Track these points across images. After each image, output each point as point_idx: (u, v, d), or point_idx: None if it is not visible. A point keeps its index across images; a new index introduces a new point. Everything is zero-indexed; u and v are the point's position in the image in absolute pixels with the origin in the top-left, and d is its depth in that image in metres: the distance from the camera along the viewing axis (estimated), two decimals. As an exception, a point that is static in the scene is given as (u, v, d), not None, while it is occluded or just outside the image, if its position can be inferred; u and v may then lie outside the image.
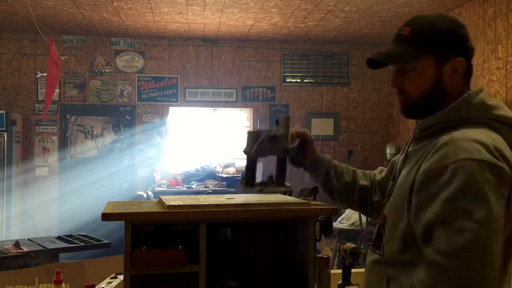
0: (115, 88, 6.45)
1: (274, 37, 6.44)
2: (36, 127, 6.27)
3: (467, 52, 1.20)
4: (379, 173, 1.57)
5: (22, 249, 3.38)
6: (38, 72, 6.28)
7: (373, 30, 5.94)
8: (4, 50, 6.27)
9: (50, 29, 5.83)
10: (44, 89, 5.74)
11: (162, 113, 6.51)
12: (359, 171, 1.58)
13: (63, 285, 1.92)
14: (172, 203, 1.49)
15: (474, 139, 1.05)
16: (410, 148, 1.26)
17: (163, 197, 1.64)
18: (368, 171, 1.60)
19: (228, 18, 5.52)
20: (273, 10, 5.19)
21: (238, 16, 5.43)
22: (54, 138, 6.32)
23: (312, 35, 6.28)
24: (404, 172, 1.21)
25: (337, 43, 6.68)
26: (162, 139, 6.45)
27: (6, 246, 3.48)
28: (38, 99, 6.27)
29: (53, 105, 6.21)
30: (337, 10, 5.15)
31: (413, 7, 5.00)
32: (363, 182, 1.54)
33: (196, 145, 6.59)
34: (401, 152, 1.36)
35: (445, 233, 1.00)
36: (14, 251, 3.34)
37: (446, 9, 5.08)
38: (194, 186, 5.96)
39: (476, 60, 4.74)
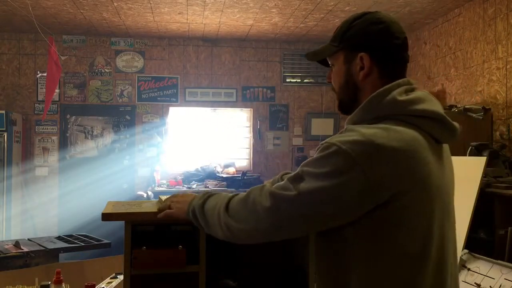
0: (115, 88, 6.45)
1: (274, 37, 6.44)
2: (36, 127, 6.27)
3: (377, 48, 1.17)
4: None
5: (22, 249, 3.38)
6: (38, 72, 6.28)
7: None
8: (4, 50, 6.27)
9: (50, 29, 5.83)
10: (44, 89, 5.74)
11: (162, 113, 6.50)
12: None
13: (63, 285, 1.92)
14: (172, 203, 1.48)
15: (359, 131, 1.07)
16: None
17: (163, 197, 1.64)
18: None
19: (228, 18, 5.52)
20: (273, 10, 5.19)
21: (238, 16, 5.43)
22: (54, 138, 6.32)
23: (312, 35, 6.28)
24: None
25: (337, 43, 6.66)
26: (162, 139, 6.45)
27: (6, 246, 3.48)
28: (38, 99, 6.27)
29: (53, 105, 6.21)
30: (337, 10, 5.15)
31: (413, 7, 5.00)
32: None
33: (196, 145, 6.59)
34: None
35: (282, 185, 1.09)
36: (14, 251, 3.34)
37: (446, 9, 5.08)
38: (194, 186, 5.96)
39: (476, 60, 4.74)
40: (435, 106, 1.14)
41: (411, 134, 1.08)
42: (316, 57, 1.31)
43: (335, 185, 1.02)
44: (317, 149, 1.10)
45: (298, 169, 1.10)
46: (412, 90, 1.16)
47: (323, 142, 1.09)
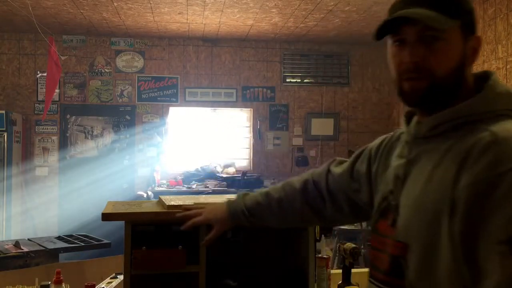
0: (115, 88, 6.45)
1: (274, 37, 6.44)
2: (36, 127, 6.27)
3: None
4: (337, 166, 1.28)
5: (22, 249, 3.38)
6: (38, 72, 6.28)
7: (373, 30, 5.93)
8: (4, 50, 6.27)
9: (50, 29, 5.83)
10: (44, 89, 5.74)
11: (162, 113, 6.50)
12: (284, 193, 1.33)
13: (63, 285, 1.92)
14: (172, 203, 1.49)
15: None
16: (411, 150, 0.98)
17: (163, 197, 1.64)
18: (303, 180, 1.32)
19: (228, 18, 5.52)
20: (273, 10, 5.19)
21: (238, 16, 5.43)
22: (54, 138, 6.32)
23: (312, 35, 6.28)
24: (418, 184, 0.93)
25: (337, 43, 6.68)
26: (162, 139, 6.45)
27: (6, 246, 3.47)
28: (38, 99, 6.27)
29: (53, 105, 6.21)
30: (337, 10, 5.15)
31: (413, 7, 5.00)
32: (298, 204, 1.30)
33: (196, 145, 6.59)
34: (380, 150, 1.12)
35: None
36: (14, 251, 3.34)
37: (446, 9, 5.08)
38: (194, 186, 5.96)
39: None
40: None
41: None
42: (429, 20, 0.91)
43: None
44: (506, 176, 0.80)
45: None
46: None
47: None
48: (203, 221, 1.40)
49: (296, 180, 1.33)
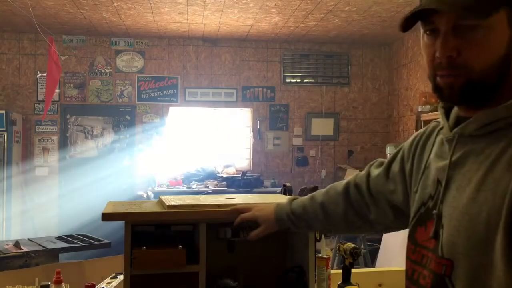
0: (115, 88, 6.45)
1: (274, 37, 6.44)
2: (36, 127, 6.27)
3: None
4: (376, 167, 1.22)
5: (22, 249, 3.38)
6: (38, 72, 6.28)
7: (373, 30, 5.94)
8: (4, 50, 6.27)
9: (50, 29, 5.83)
10: (44, 89, 5.74)
11: (162, 113, 6.50)
12: (328, 197, 1.29)
13: (63, 285, 1.92)
14: (172, 203, 1.48)
15: None
16: (454, 151, 0.87)
17: (163, 197, 1.64)
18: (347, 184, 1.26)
19: (228, 18, 5.52)
20: (273, 10, 5.19)
21: (238, 16, 5.43)
22: (54, 138, 6.32)
23: (312, 35, 6.28)
24: (465, 191, 0.82)
25: (337, 43, 6.68)
26: (162, 139, 6.45)
27: (6, 246, 3.47)
28: (38, 99, 6.27)
29: (53, 105, 6.21)
30: (337, 10, 5.15)
31: (413, 6, 4.99)
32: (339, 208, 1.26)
33: (196, 145, 6.59)
34: (417, 152, 1.03)
35: None
36: (14, 251, 3.34)
37: (446, 9, 5.08)
38: (194, 186, 5.96)
39: (476, 60, 4.74)
40: None
41: None
42: (464, 11, 0.78)
43: None
44: None
45: None
46: None
47: None
48: (251, 217, 1.39)
49: (340, 183, 1.29)
